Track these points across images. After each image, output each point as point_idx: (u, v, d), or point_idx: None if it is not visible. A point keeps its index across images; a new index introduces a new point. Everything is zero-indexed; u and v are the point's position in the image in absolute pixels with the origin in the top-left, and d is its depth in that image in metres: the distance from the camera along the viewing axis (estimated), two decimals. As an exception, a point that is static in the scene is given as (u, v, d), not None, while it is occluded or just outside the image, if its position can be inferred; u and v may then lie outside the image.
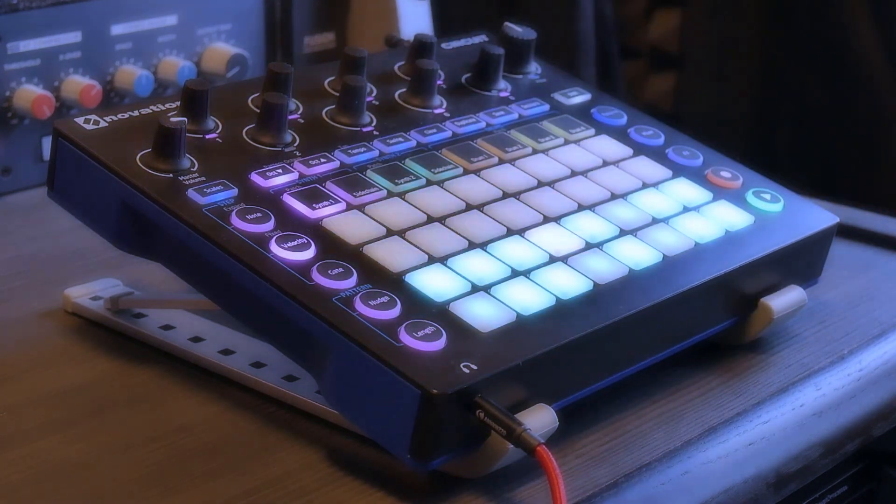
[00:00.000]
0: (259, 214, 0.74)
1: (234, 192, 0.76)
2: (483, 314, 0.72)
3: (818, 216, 0.88)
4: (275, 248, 0.72)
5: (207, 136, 0.80)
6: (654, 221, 0.83)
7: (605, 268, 0.78)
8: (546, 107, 0.92)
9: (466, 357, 0.69)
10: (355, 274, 0.72)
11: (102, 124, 0.79)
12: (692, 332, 0.81)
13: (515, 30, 0.95)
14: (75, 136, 0.78)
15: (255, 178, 0.77)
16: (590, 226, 0.81)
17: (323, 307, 0.70)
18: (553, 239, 0.79)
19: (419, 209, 0.79)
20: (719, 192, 0.87)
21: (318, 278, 0.71)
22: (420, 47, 0.90)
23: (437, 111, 0.88)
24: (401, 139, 0.84)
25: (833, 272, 0.91)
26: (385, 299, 0.71)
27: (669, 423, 0.78)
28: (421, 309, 0.71)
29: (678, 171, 0.88)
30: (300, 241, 0.73)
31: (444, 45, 0.95)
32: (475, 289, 0.74)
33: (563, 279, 0.76)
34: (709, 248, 0.82)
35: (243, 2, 1.13)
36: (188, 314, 0.83)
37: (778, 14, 1.55)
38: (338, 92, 0.85)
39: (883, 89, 1.48)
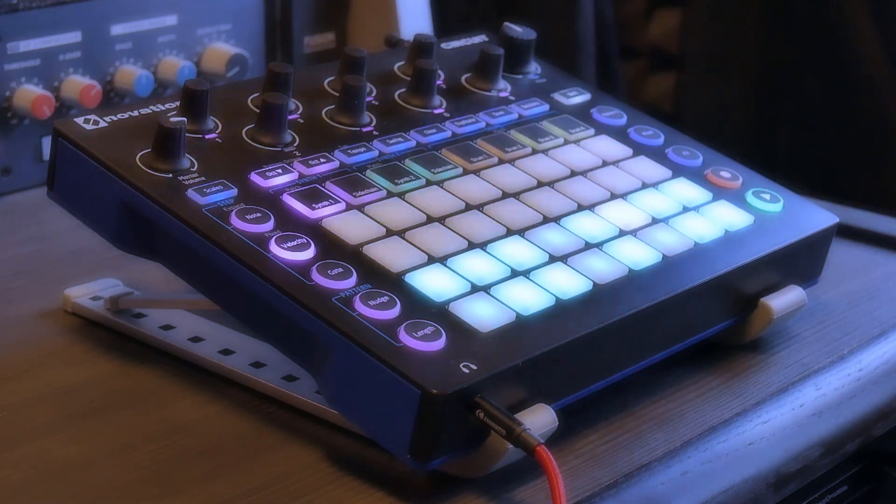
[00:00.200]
0: (259, 214, 0.74)
1: (234, 192, 0.76)
2: (483, 314, 0.72)
3: (818, 216, 0.88)
4: (275, 248, 0.72)
5: (207, 136, 0.80)
6: (654, 221, 0.83)
7: (605, 268, 0.78)
8: (546, 107, 0.92)
9: (466, 357, 0.69)
10: (355, 274, 0.72)
11: (102, 124, 0.79)
12: (692, 332, 0.81)
13: (515, 30, 0.95)
14: (75, 136, 0.78)
15: (254, 178, 0.77)
16: (590, 226, 0.81)
17: (323, 307, 0.70)
18: (553, 239, 0.79)
19: (419, 209, 0.79)
20: (719, 192, 0.87)
21: (318, 278, 0.71)
22: (420, 47, 0.90)
23: (436, 111, 0.88)
24: (401, 139, 0.84)
25: (833, 272, 0.91)
26: (385, 299, 0.71)
27: (669, 423, 0.78)
28: (421, 309, 0.71)
29: (678, 171, 0.88)
30: (300, 241, 0.73)
31: (444, 45, 0.95)
32: (475, 289, 0.74)
33: (563, 279, 0.76)
34: (709, 248, 0.82)
35: (243, 2, 1.13)
36: (188, 314, 0.83)
37: (778, 14, 1.55)
38: (338, 92, 0.85)
39: (883, 89, 1.49)
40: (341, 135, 0.83)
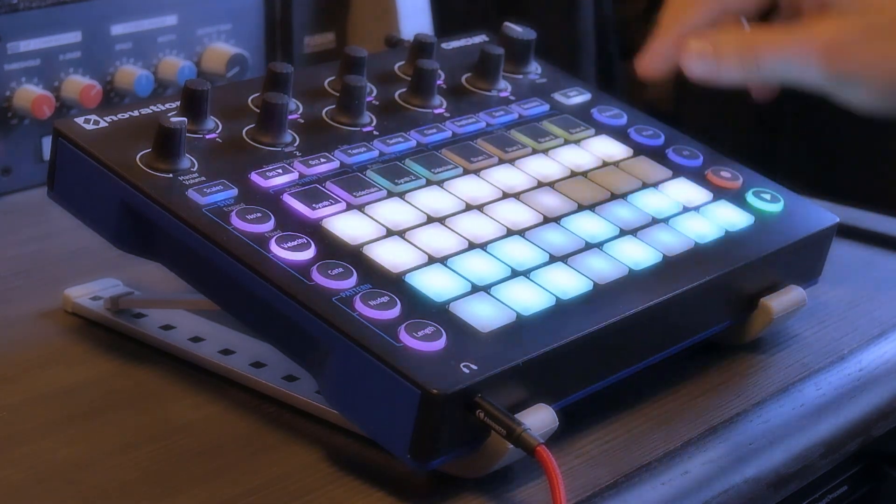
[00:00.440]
0: (259, 214, 0.74)
1: (234, 192, 0.76)
2: (483, 314, 0.72)
3: (818, 216, 0.88)
4: (275, 248, 0.72)
5: (207, 136, 0.80)
6: (654, 221, 0.83)
7: (605, 268, 0.78)
8: (546, 107, 0.92)
9: (466, 357, 0.69)
10: (355, 274, 0.72)
11: (102, 124, 0.79)
12: (692, 332, 0.81)
13: (515, 30, 0.95)
14: (75, 136, 0.77)
15: (255, 178, 0.77)
16: (590, 226, 0.81)
17: (323, 307, 0.70)
18: (553, 239, 0.79)
19: (419, 209, 0.79)
20: (719, 192, 0.87)
21: (318, 278, 0.71)
22: (420, 47, 0.90)
23: (437, 111, 0.88)
24: (401, 139, 0.84)
25: (833, 272, 0.91)
26: (385, 299, 0.71)
27: (669, 423, 0.78)
28: (421, 309, 0.71)
29: (678, 171, 0.88)
30: (300, 241, 0.73)
31: (444, 45, 0.95)
32: (475, 289, 0.74)
33: (563, 279, 0.76)
34: (709, 248, 0.82)
35: (243, 2, 1.13)
36: (188, 314, 0.83)
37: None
38: (338, 92, 0.85)
39: None
40: (341, 135, 0.83)
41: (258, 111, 0.81)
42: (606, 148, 0.89)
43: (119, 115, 0.80)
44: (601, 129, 0.91)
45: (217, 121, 0.81)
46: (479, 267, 0.75)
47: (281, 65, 0.82)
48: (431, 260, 0.75)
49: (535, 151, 0.87)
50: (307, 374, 0.74)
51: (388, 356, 0.68)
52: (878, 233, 1.02)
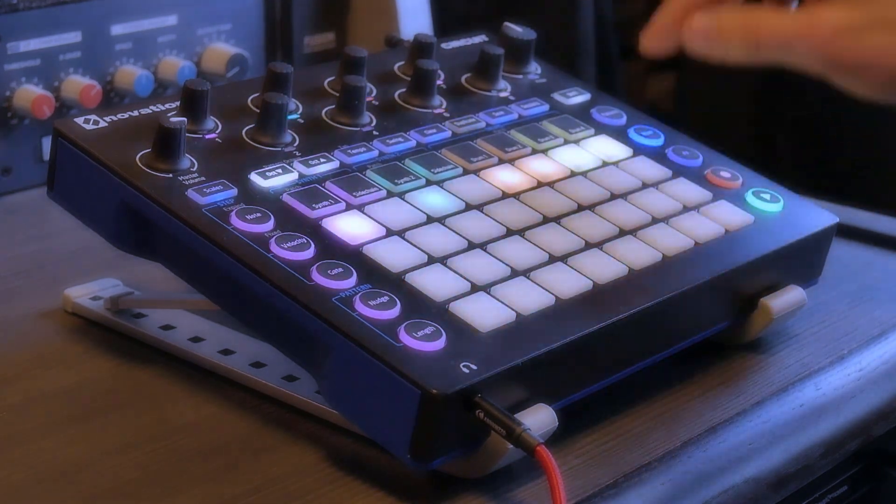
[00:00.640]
0: (259, 214, 0.74)
1: (234, 192, 0.76)
2: (483, 314, 0.72)
3: (818, 216, 0.88)
4: (275, 248, 0.72)
5: (207, 136, 0.80)
6: (654, 221, 0.83)
7: (605, 268, 0.78)
8: (546, 107, 0.92)
9: (466, 357, 0.69)
10: (355, 274, 0.72)
11: (102, 124, 0.79)
12: (692, 332, 0.81)
13: (515, 30, 0.95)
14: (75, 136, 0.77)
15: (254, 178, 0.77)
16: (589, 226, 0.81)
17: (323, 307, 0.70)
18: (553, 239, 0.79)
19: (419, 209, 0.79)
20: (719, 192, 0.87)
21: (318, 278, 0.71)
22: (420, 47, 0.90)
23: (437, 111, 0.88)
24: (401, 139, 0.84)
25: (833, 272, 0.91)
26: (385, 299, 0.71)
27: (669, 423, 0.78)
28: (421, 309, 0.71)
29: (678, 171, 0.88)
30: (300, 241, 0.73)
31: (444, 45, 0.95)
32: (475, 289, 0.74)
33: (563, 279, 0.76)
34: (709, 248, 0.82)
35: (243, 2, 1.13)
36: (188, 314, 0.83)
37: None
38: (338, 92, 0.85)
39: None
40: (341, 135, 0.83)
41: (258, 111, 0.81)
42: (606, 148, 0.89)
43: (119, 115, 0.80)
44: (601, 129, 0.91)
45: (217, 121, 0.81)
46: (479, 267, 0.75)
47: (281, 65, 0.82)
48: (431, 260, 0.75)
49: (534, 151, 0.87)
50: (307, 374, 0.74)
51: (388, 356, 0.68)
52: (878, 233, 1.02)
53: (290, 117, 0.82)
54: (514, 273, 0.76)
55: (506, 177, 0.84)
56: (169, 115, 0.79)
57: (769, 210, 0.87)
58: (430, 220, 0.78)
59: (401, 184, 0.80)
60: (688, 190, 0.87)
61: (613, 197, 0.84)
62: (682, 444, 0.76)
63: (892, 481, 0.94)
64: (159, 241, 0.76)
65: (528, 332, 0.72)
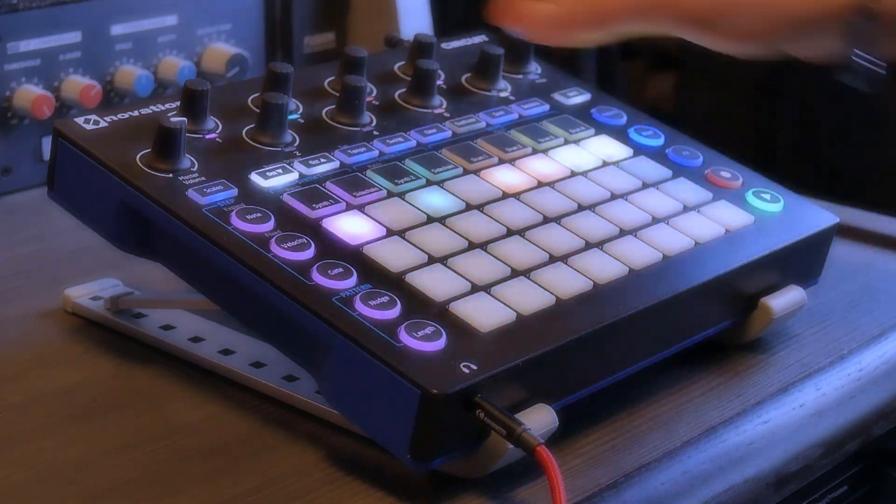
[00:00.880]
0: (259, 214, 0.74)
1: (234, 192, 0.76)
2: (483, 314, 0.72)
3: (818, 216, 0.88)
4: (275, 248, 0.72)
5: (207, 136, 0.80)
6: (654, 221, 0.83)
7: (605, 268, 0.78)
8: (546, 107, 0.92)
9: (466, 357, 0.69)
10: (355, 274, 0.72)
11: (102, 124, 0.79)
12: (692, 332, 0.81)
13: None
14: (75, 136, 0.77)
15: (254, 178, 0.77)
16: (590, 226, 0.81)
17: (323, 307, 0.70)
18: (553, 239, 0.79)
19: (419, 209, 0.79)
20: (719, 192, 0.87)
21: (318, 278, 0.71)
22: (420, 47, 0.90)
23: (437, 111, 0.88)
24: (401, 139, 0.84)
25: (833, 272, 0.91)
26: (385, 299, 0.71)
27: (669, 423, 0.78)
28: (421, 309, 0.71)
29: (678, 171, 0.88)
30: (300, 241, 0.73)
31: (444, 45, 0.95)
32: (475, 289, 0.74)
33: (563, 279, 0.76)
34: (709, 248, 0.82)
35: (243, 2, 1.13)
36: (188, 314, 0.83)
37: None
38: (338, 92, 0.85)
39: (883, 89, 1.48)
40: (341, 135, 0.83)
41: (258, 111, 0.81)
42: (606, 148, 0.89)
43: (119, 115, 0.80)
44: (601, 129, 0.91)
45: (217, 121, 0.81)
46: (480, 267, 0.75)
47: (281, 65, 0.82)
48: (431, 260, 0.75)
49: (535, 151, 0.87)
50: (307, 374, 0.74)
51: (388, 356, 0.68)
52: (878, 233, 1.02)
53: (290, 117, 0.82)
54: (515, 273, 0.76)
55: (506, 177, 0.84)
56: (169, 115, 0.79)
57: (769, 210, 0.87)
58: (430, 220, 0.78)
59: (401, 184, 0.80)
60: (688, 190, 0.87)
61: (614, 197, 0.84)
62: (682, 444, 0.76)
63: (892, 481, 0.94)
64: (159, 241, 0.76)
65: (529, 332, 0.72)
